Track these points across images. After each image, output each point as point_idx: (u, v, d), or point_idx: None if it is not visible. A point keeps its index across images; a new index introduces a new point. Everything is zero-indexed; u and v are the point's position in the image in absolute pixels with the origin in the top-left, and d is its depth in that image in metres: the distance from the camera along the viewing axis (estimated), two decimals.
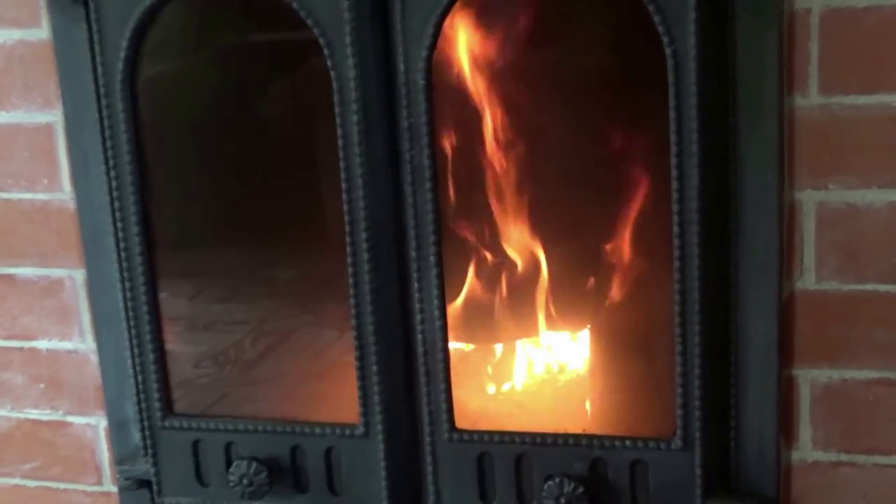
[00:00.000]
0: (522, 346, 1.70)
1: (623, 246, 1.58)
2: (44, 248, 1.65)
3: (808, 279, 1.40)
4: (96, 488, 1.74)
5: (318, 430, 1.54)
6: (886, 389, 1.41)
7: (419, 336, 1.47)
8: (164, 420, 1.59)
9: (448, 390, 1.48)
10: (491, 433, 1.50)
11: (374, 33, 1.39)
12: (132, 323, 1.57)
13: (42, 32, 1.55)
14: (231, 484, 1.56)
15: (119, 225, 1.53)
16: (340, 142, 1.42)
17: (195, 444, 1.59)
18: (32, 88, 1.58)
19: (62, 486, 1.75)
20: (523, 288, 1.64)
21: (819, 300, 1.40)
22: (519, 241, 1.62)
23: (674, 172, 1.33)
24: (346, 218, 1.44)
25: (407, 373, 1.51)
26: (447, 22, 1.37)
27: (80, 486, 1.75)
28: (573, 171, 1.58)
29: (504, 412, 1.67)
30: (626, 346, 1.61)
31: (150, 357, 1.56)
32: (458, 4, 1.37)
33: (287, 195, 1.64)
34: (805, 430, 1.45)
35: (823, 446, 1.45)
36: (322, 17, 1.38)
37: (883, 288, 1.38)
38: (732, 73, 1.33)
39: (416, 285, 1.46)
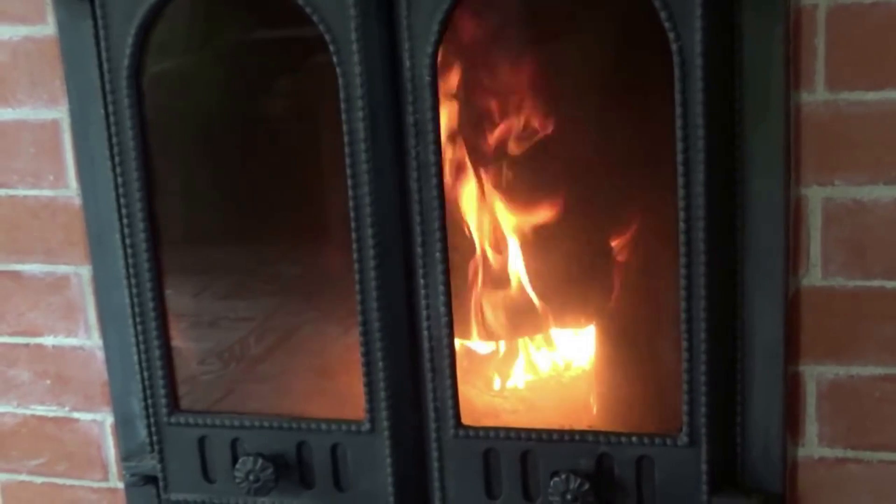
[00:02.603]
0: (528, 342, 1.70)
1: (629, 242, 1.58)
2: (50, 245, 1.65)
3: (814, 275, 1.40)
4: (102, 484, 1.74)
5: (323, 427, 1.54)
6: (893, 386, 1.41)
7: (425, 332, 1.47)
8: (170, 416, 1.59)
9: (454, 387, 1.48)
10: (497, 429, 1.50)
11: (379, 30, 1.39)
12: (138, 319, 1.57)
13: (48, 29, 1.55)
14: (237, 480, 1.56)
15: (125, 221, 1.53)
16: (346, 138, 1.42)
17: (201, 441, 1.59)
18: (38, 85, 1.58)
19: (68, 482, 1.76)
20: (529, 284, 1.64)
21: (825, 296, 1.40)
22: (525, 238, 1.62)
23: (680, 168, 1.33)
24: (352, 214, 1.44)
25: (413, 369, 1.51)
26: (452, 18, 1.37)
27: (86, 483, 1.75)
28: (579, 168, 1.58)
29: (510, 408, 1.67)
30: (631, 342, 1.61)
31: (156, 353, 1.57)
32: (463, 1, 1.37)
33: (293, 191, 1.65)
34: (811, 427, 1.45)
35: (829, 443, 1.45)
36: (328, 13, 1.38)
37: (889, 284, 1.38)
38: (739, 69, 1.33)
39: (421, 281, 1.46)
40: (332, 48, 1.39)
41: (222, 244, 1.74)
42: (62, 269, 1.66)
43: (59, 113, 1.58)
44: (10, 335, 1.71)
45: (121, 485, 1.71)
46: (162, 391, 1.58)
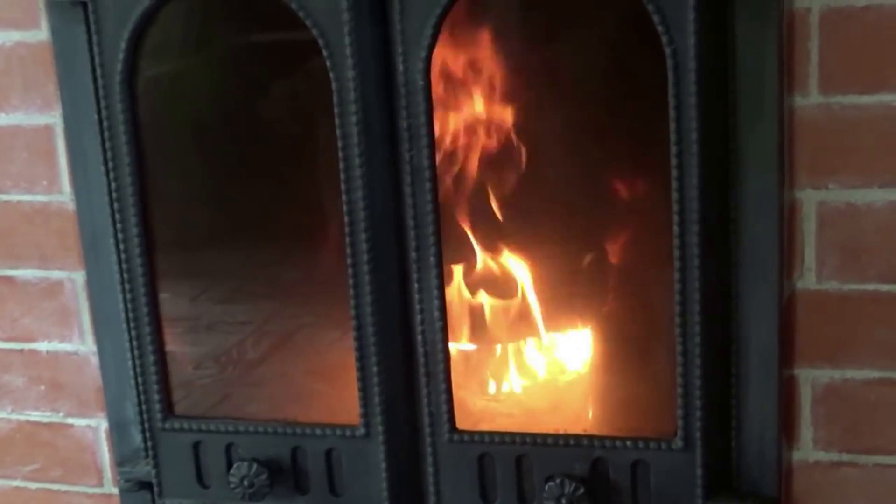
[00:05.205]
0: (523, 346, 1.70)
1: (623, 246, 1.58)
2: (43, 250, 1.65)
3: (808, 279, 1.40)
4: (97, 490, 1.74)
5: (318, 431, 1.54)
6: (887, 389, 1.41)
7: (419, 336, 1.47)
8: (165, 421, 1.59)
9: (449, 391, 1.48)
10: (491, 434, 1.49)
11: (373, 33, 1.39)
12: (132, 324, 1.57)
13: (41, 34, 1.55)
14: (232, 485, 1.56)
15: (119, 226, 1.53)
16: (340, 142, 1.42)
17: (196, 446, 1.59)
18: (32, 90, 1.58)
19: (63, 487, 1.75)
20: (524, 288, 1.64)
21: (820, 300, 1.40)
22: (519, 241, 1.62)
23: (674, 172, 1.33)
24: (346, 218, 1.44)
25: (407, 373, 1.51)
26: (446, 22, 1.37)
27: (80, 488, 1.75)
28: (573, 172, 1.58)
29: (505, 413, 1.67)
30: (626, 346, 1.60)
31: (151, 358, 1.56)
32: (457, 5, 1.37)
33: (287, 196, 1.64)
34: (806, 430, 1.44)
35: (824, 446, 1.44)
36: (321, 17, 1.38)
37: (884, 287, 1.38)
38: (732, 73, 1.33)
39: (416, 286, 1.45)
40: (325, 52, 1.39)
41: (217, 248, 1.73)
42: (56, 274, 1.65)
43: (53, 118, 1.58)
44: (3, 341, 1.71)
45: (115, 490, 1.71)
46: (156, 396, 1.58)
